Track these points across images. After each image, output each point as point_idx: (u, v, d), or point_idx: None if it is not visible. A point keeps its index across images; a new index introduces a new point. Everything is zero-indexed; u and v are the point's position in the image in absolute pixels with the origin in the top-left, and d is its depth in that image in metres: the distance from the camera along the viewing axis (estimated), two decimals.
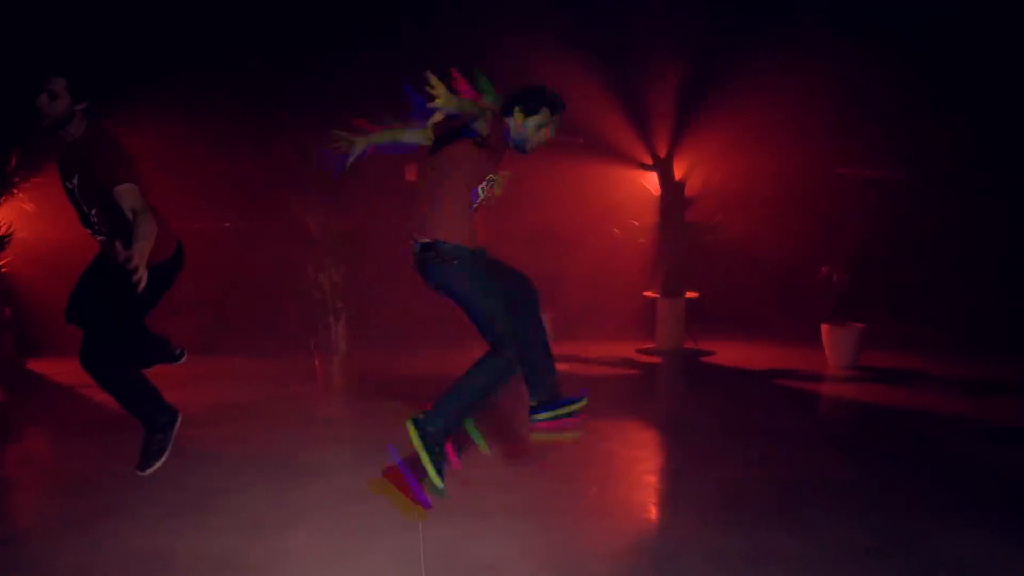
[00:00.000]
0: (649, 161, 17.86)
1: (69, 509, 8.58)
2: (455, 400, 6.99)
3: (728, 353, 16.46)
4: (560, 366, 14.14)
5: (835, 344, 14.98)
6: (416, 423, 6.86)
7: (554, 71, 16.59)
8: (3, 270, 16.25)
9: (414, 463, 6.76)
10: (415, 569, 6.78)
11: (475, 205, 7.12)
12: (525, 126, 7.05)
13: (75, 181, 7.28)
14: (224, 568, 7.00)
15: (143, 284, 6.36)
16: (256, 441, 10.93)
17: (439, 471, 6.80)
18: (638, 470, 9.91)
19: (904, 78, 16.07)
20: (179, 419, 8.24)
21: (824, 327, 15.14)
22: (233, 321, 17.65)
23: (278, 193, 14.59)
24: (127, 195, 6.98)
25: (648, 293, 17.50)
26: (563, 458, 10.12)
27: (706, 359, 16.17)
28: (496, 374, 6.95)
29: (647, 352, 16.80)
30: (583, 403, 7.59)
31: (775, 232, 17.73)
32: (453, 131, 6.92)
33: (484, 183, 7.10)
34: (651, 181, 17.95)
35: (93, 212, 7.34)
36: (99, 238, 7.56)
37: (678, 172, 17.63)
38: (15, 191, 16.40)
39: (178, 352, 8.62)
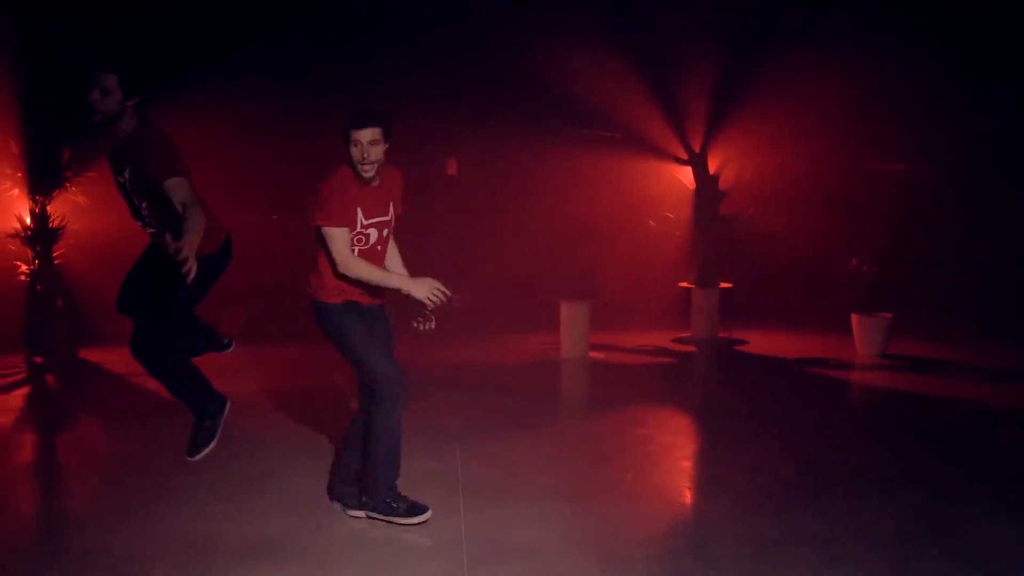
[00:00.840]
0: (684, 156, 17.91)
1: (122, 493, 8.60)
2: (377, 468, 7.44)
3: (761, 342, 16.44)
4: (597, 355, 14.20)
5: (864, 333, 14.97)
6: (367, 509, 7.56)
7: (593, 71, 16.62)
8: (57, 262, 16.29)
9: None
10: (457, 552, 6.75)
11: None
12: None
13: (126, 175, 7.25)
14: (270, 552, 6.98)
15: (192, 275, 6.36)
16: (303, 429, 10.92)
17: (414, 513, 7.48)
18: (673, 456, 9.96)
19: (931, 75, 16.11)
20: (228, 406, 8.25)
21: (853, 317, 15.08)
22: (281, 311, 17.62)
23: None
24: (177, 189, 6.94)
25: (683, 284, 17.58)
26: (601, 444, 10.18)
27: (739, 348, 16.19)
28: (388, 423, 7.32)
29: (682, 341, 16.82)
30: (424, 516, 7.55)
31: (806, 225, 17.71)
32: None
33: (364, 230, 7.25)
34: (686, 175, 18.10)
35: (144, 205, 7.32)
36: (149, 231, 7.57)
37: (712, 167, 17.76)
38: (68, 185, 16.47)
39: (226, 341, 8.63)
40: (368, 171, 6.99)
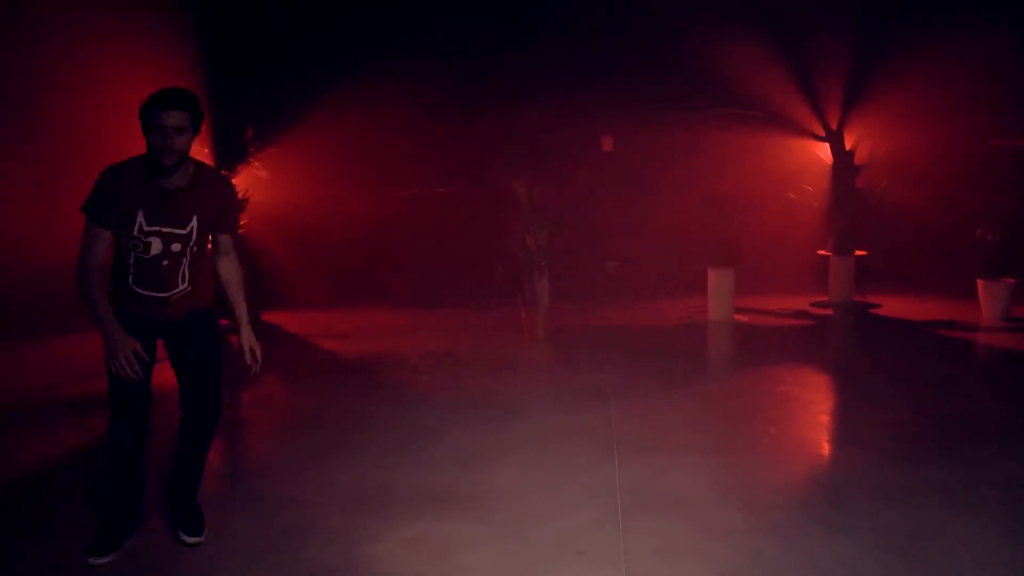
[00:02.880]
0: (822, 133, 18.01)
1: (300, 446, 8.88)
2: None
3: (893, 306, 16.34)
4: (741, 317, 14.15)
5: (989, 298, 14.85)
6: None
7: (739, 55, 16.61)
8: (241, 231, 16.50)
9: None
10: (611, 500, 6.80)
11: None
12: None
13: (193, 225, 5.95)
14: (439, 499, 7.14)
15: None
16: (466, 385, 11.04)
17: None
18: (812, 411, 10.13)
19: None
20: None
21: (979, 282, 14.87)
22: (446, 276, 17.76)
23: (485, 162, 14.67)
24: (232, 240, 6.52)
25: (821, 251, 17.63)
26: (745, 400, 10.30)
27: (873, 311, 16.11)
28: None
29: (820, 305, 16.80)
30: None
31: (935, 197, 17.62)
32: None
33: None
34: (824, 151, 18.22)
35: (186, 263, 6.06)
36: (178, 292, 6.10)
37: (848, 143, 17.88)
38: (251, 160, 16.74)
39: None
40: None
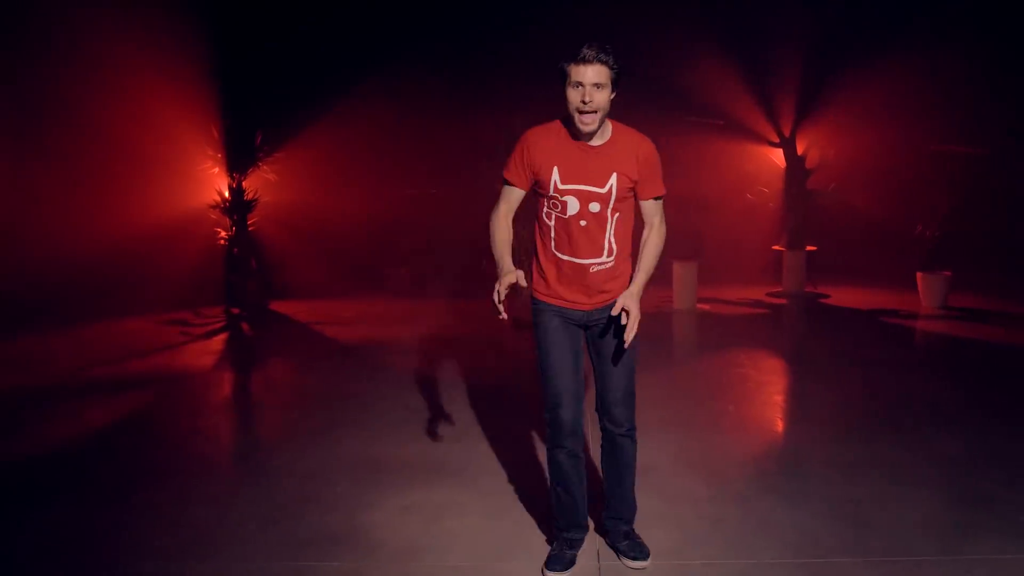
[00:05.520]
0: (776, 140, 18.03)
1: (308, 422, 8.83)
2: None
3: (841, 296, 16.37)
4: (704, 306, 14.15)
5: (927, 288, 14.84)
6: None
7: (700, 68, 16.74)
8: (250, 228, 16.65)
9: None
10: (588, 472, 6.72)
11: None
12: None
13: (612, 184, 4.94)
14: (431, 470, 7.20)
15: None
16: (457, 366, 10.97)
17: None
18: (768, 391, 10.09)
19: (986, 70, 16.40)
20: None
21: (919, 275, 14.93)
22: (442, 269, 17.80)
23: (476, 163, 14.72)
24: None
25: (776, 247, 17.61)
26: (707, 381, 10.36)
27: (823, 301, 16.06)
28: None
29: (775, 295, 16.80)
30: None
31: (880, 196, 17.81)
32: None
33: None
34: (778, 156, 18.30)
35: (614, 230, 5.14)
36: (602, 264, 5.16)
37: (800, 148, 17.90)
38: (260, 164, 16.94)
39: None
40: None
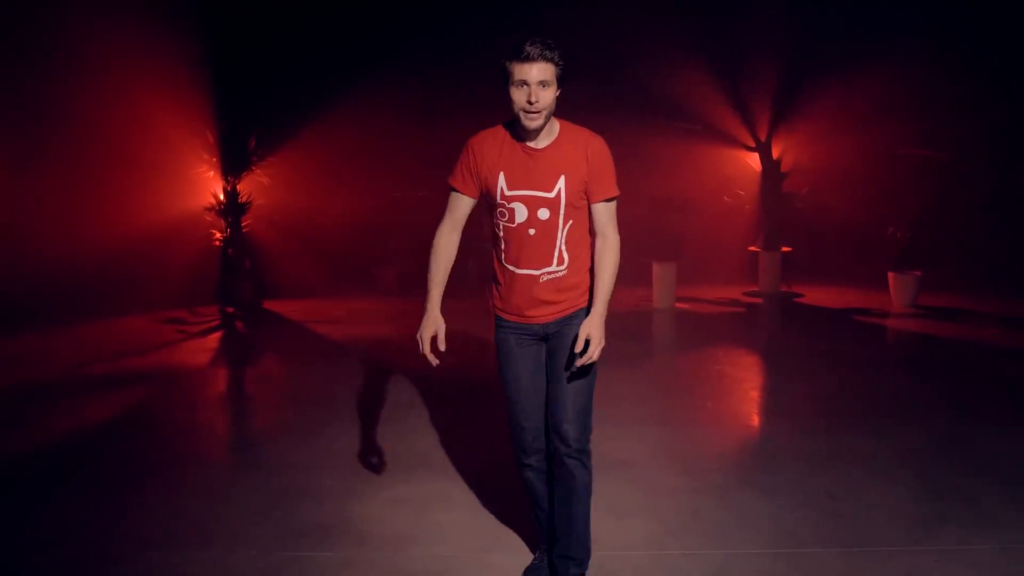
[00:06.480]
0: (752, 144, 18.05)
1: (301, 417, 8.84)
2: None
3: (815, 295, 16.35)
4: (682, 305, 14.18)
5: (898, 288, 14.86)
6: None
7: (679, 74, 16.80)
8: (244, 230, 16.63)
9: None
10: None
11: None
12: None
13: (560, 187, 4.48)
14: (419, 464, 7.23)
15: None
16: (443, 364, 10.97)
17: None
18: (744, 387, 10.18)
19: (951, 77, 16.57)
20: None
21: (890, 274, 14.95)
22: (425, 268, 17.80)
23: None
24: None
25: (752, 248, 17.60)
26: (685, 378, 10.39)
27: (797, 300, 16.06)
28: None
29: (751, 294, 16.76)
30: None
31: (852, 199, 17.89)
32: None
33: None
34: (754, 160, 18.28)
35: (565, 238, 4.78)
36: (552, 274, 4.79)
37: (775, 153, 17.85)
38: (254, 168, 16.92)
39: None
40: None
